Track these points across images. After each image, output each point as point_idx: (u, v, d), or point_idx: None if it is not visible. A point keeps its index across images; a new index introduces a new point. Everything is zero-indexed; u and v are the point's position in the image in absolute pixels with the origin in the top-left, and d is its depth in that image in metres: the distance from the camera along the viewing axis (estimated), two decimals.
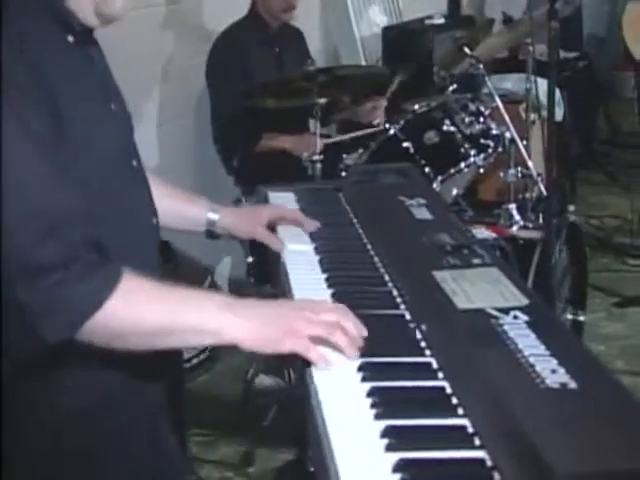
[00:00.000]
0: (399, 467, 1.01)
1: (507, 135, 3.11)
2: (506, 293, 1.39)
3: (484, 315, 1.31)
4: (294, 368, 1.30)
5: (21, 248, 1.18)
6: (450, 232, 1.68)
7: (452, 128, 3.10)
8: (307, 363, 1.25)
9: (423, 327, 1.34)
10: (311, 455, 1.09)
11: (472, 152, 3.08)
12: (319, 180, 2.90)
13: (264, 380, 3.09)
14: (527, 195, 3.19)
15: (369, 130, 3.21)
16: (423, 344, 1.31)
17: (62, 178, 1.23)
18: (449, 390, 1.18)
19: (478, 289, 1.41)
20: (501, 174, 3.11)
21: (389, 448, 1.05)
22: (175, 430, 1.62)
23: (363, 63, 4.65)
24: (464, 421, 1.10)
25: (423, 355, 1.28)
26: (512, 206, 3.05)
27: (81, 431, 1.37)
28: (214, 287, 3.58)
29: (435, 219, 1.79)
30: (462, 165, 3.06)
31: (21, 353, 1.29)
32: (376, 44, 4.74)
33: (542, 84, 3.01)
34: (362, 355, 1.26)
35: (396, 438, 1.06)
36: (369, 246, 1.73)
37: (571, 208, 3.13)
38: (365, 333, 1.28)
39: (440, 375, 1.22)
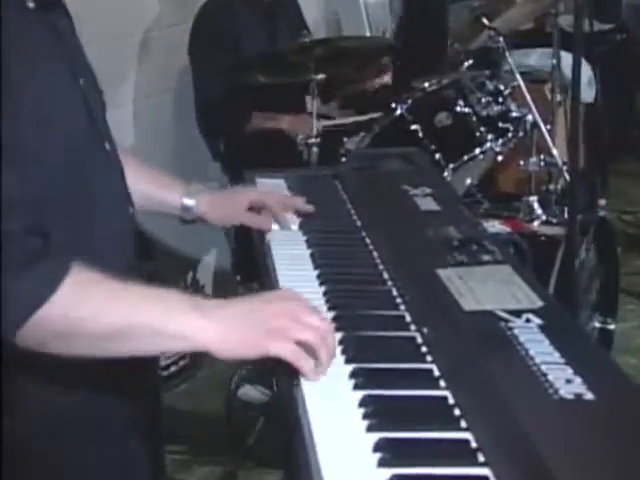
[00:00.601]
0: None
1: (529, 118, 3.12)
2: (518, 294, 1.40)
3: (493, 318, 1.32)
4: (277, 374, 1.30)
5: None
6: (458, 225, 1.70)
7: (466, 109, 3.11)
8: (295, 371, 1.24)
9: (425, 330, 1.36)
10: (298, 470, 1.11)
11: (489, 137, 3.08)
12: (315, 166, 2.92)
13: (249, 391, 3.11)
14: (551, 187, 3.22)
15: (375, 115, 3.21)
16: (424, 349, 1.32)
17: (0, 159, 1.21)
18: (451, 400, 1.19)
19: (487, 289, 1.42)
20: (521, 162, 3.12)
21: (382, 463, 1.06)
22: (149, 448, 1.60)
23: (367, 34, 4.66)
24: (467, 435, 1.12)
25: (424, 361, 1.30)
26: (533, 199, 3.07)
27: (47, 439, 1.38)
28: (195, 285, 3.60)
29: (442, 211, 1.81)
30: (477, 151, 3.06)
31: None
32: (383, 13, 4.75)
33: (570, 60, 3.01)
34: (355, 360, 1.27)
35: (390, 452, 1.07)
36: (367, 240, 1.74)
37: (602, 202, 3.14)
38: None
39: (442, 384, 1.23)
